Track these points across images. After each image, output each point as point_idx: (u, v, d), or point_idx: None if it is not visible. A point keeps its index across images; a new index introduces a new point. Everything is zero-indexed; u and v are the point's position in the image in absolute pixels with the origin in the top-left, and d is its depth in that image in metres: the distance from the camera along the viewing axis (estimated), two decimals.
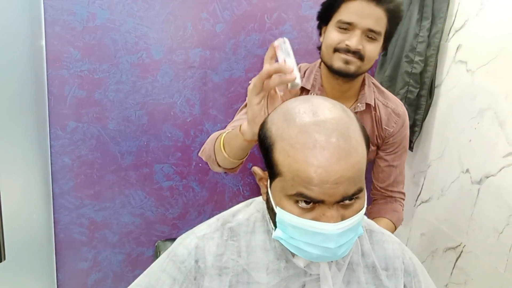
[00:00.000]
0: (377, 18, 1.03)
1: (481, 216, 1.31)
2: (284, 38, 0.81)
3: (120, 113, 1.43)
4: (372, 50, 1.06)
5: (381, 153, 1.24)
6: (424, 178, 1.61)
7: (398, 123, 1.20)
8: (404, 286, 0.78)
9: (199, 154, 1.15)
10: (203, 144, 1.52)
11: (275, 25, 1.48)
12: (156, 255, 1.23)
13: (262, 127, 0.67)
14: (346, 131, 0.60)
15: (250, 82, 0.99)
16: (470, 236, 1.36)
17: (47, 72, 1.33)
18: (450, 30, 1.48)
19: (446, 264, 1.47)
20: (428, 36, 1.47)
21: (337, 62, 1.06)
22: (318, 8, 1.51)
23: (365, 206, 0.65)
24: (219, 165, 1.04)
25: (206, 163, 1.55)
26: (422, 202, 1.62)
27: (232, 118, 1.47)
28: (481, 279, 1.31)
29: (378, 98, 1.19)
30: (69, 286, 1.55)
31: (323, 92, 1.16)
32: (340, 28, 1.04)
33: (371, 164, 1.31)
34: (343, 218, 0.61)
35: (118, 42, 1.37)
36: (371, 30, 1.03)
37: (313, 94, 1.15)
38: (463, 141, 1.40)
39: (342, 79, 1.11)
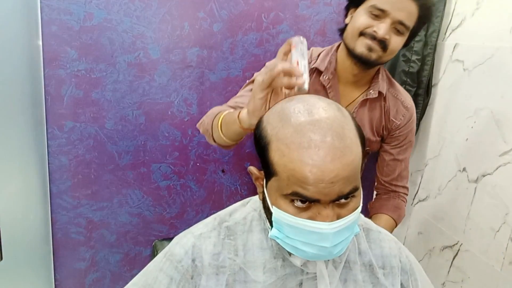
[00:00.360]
0: (410, 12, 1.02)
1: (477, 215, 1.32)
2: (302, 37, 0.80)
3: (117, 112, 1.43)
4: (397, 43, 1.05)
5: (387, 147, 1.24)
6: (421, 177, 1.61)
7: (406, 116, 1.20)
8: (401, 284, 0.78)
9: (197, 125, 1.14)
10: (201, 144, 1.53)
11: (272, 24, 1.48)
12: (153, 254, 1.23)
13: (258, 126, 0.68)
14: (341, 130, 0.60)
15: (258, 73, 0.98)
16: (467, 235, 1.36)
17: (44, 71, 1.33)
18: (446, 29, 1.49)
19: (443, 263, 1.47)
20: (425, 35, 1.47)
21: (360, 47, 1.05)
22: (315, 7, 1.51)
23: (361, 204, 0.65)
24: (214, 141, 1.05)
25: (204, 163, 1.56)
26: (419, 200, 1.62)
27: None
28: (478, 278, 1.31)
29: (388, 90, 1.19)
30: (67, 286, 1.55)
31: (335, 76, 1.15)
32: (372, 13, 1.03)
33: (375, 159, 1.31)
34: (338, 217, 0.61)
35: (115, 42, 1.36)
36: (401, 23, 1.02)
37: (326, 77, 1.14)
38: (459, 140, 1.41)
39: (359, 66, 1.10)
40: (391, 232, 1.24)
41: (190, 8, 1.40)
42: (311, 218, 0.61)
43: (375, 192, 1.35)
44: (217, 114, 1.02)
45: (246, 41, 1.47)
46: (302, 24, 1.50)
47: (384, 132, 1.21)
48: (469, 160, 1.36)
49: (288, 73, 0.74)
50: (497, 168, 1.24)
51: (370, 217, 1.30)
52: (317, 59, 1.16)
